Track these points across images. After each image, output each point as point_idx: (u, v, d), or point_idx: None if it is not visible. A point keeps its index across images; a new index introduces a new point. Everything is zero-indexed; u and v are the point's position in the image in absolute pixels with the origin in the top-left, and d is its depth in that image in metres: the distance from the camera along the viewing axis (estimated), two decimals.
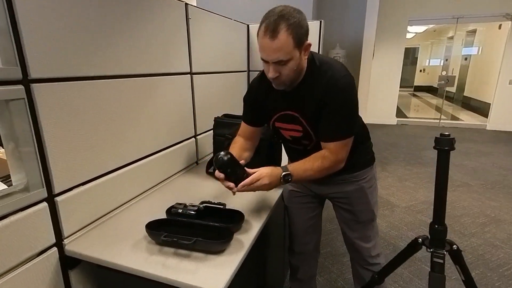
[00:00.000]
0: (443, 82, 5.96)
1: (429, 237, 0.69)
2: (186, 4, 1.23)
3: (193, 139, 1.39)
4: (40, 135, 0.69)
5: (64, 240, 0.77)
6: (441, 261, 0.64)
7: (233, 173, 0.80)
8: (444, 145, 0.57)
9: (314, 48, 1.85)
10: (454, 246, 0.67)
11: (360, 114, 0.91)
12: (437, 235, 0.66)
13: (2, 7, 0.60)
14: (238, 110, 1.91)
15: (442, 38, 9.34)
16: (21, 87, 0.64)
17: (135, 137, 1.00)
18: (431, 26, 7.77)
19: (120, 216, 0.92)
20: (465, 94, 7.99)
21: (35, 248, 0.71)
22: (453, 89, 8.74)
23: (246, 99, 1.01)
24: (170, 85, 1.17)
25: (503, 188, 2.73)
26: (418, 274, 1.59)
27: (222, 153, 0.79)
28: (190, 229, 0.82)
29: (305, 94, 0.87)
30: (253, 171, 0.84)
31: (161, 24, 1.08)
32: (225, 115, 1.37)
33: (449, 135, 0.57)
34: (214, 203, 0.94)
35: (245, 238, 0.82)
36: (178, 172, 1.29)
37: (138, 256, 0.73)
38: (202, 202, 0.94)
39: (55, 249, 0.75)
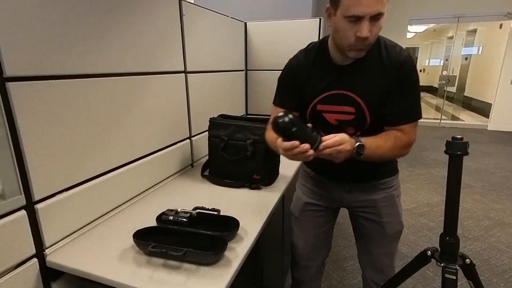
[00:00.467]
0: (443, 82, 5.91)
1: (439, 249, 0.63)
2: (180, 0, 1.18)
3: (188, 140, 1.33)
4: (18, 138, 0.64)
5: (46, 251, 0.72)
6: (454, 277, 0.59)
7: (301, 130, 0.66)
8: (457, 149, 0.52)
9: None
10: (467, 260, 0.62)
11: None
12: (448, 249, 0.60)
13: None
14: (236, 111, 1.87)
15: (442, 38, 9.30)
16: None
17: (124, 139, 0.95)
18: (431, 25, 7.72)
19: (108, 223, 0.87)
20: (465, 94, 7.95)
21: (13, 260, 0.66)
22: (453, 89, 8.70)
23: (283, 78, 0.91)
24: (163, 84, 1.12)
25: (506, 190, 2.68)
26: (422, 281, 1.54)
27: (280, 114, 0.66)
28: (182, 238, 0.77)
29: (371, 68, 0.78)
30: (329, 136, 0.71)
31: (153, 21, 1.03)
32: (221, 116, 1.32)
33: (462, 138, 0.52)
34: (208, 209, 0.89)
35: (240, 248, 0.77)
36: (172, 175, 1.24)
37: (124, 268, 0.68)
38: (195, 208, 0.89)
39: (35, 260, 0.70)
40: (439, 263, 0.62)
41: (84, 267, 0.68)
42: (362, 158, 0.74)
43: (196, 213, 0.86)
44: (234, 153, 1.17)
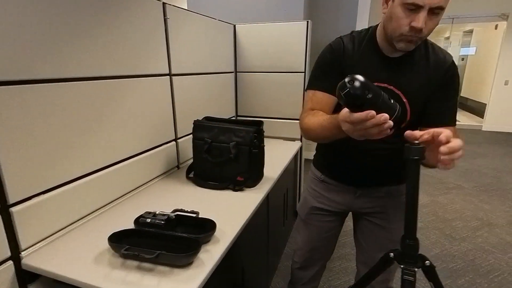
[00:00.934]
0: None
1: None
2: (164, 3, 1.18)
3: (174, 142, 1.34)
4: None
5: (22, 253, 0.73)
6: (412, 278, 0.60)
7: (377, 97, 0.53)
8: (414, 154, 0.53)
9: (300, 51, 1.82)
10: (427, 262, 0.63)
11: None
12: (408, 251, 0.62)
13: None
14: (225, 112, 1.88)
15: (439, 38, 9.33)
16: None
17: (104, 142, 0.95)
18: None
19: (87, 226, 0.88)
20: (462, 94, 7.98)
21: None
22: None
23: (325, 61, 0.83)
24: (146, 87, 1.13)
25: (496, 190, 2.70)
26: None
27: (347, 78, 0.52)
28: (157, 240, 0.78)
29: (417, 65, 0.76)
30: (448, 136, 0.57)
31: (136, 25, 1.04)
32: (207, 118, 1.33)
33: (418, 143, 0.53)
34: (187, 212, 0.90)
35: (216, 249, 0.78)
36: (157, 176, 1.25)
37: (98, 270, 0.69)
38: (175, 210, 0.90)
39: (10, 262, 0.71)
40: (400, 265, 0.63)
41: (59, 270, 0.68)
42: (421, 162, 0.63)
43: (174, 215, 0.87)
44: (217, 155, 1.19)
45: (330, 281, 1.54)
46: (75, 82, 0.83)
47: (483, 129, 5.30)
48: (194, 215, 0.89)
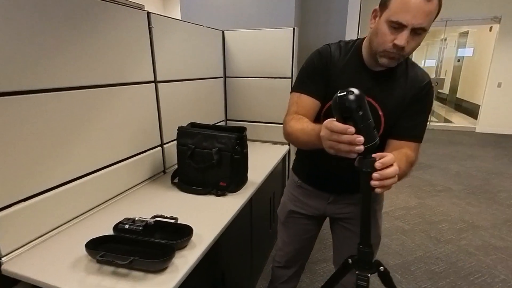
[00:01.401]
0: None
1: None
2: (148, 12, 1.21)
3: (159, 148, 1.37)
4: None
5: (2, 259, 0.76)
6: (365, 284, 0.64)
7: (365, 118, 0.53)
8: (366, 166, 0.56)
9: (287, 57, 1.85)
10: (381, 267, 0.67)
11: None
12: (363, 257, 0.65)
13: None
14: (214, 117, 1.91)
15: (436, 39, 9.39)
16: None
17: (87, 149, 0.98)
18: None
19: (68, 232, 0.91)
20: (457, 96, 8.04)
21: None
22: (446, 91, 8.79)
23: (313, 64, 0.85)
24: (130, 95, 1.15)
25: (484, 193, 2.74)
26: None
27: (348, 89, 0.52)
28: (135, 246, 0.81)
29: (397, 81, 0.80)
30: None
31: (120, 34, 1.07)
32: (192, 124, 1.36)
33: (370, 156, 0.56)
34: (166, 217, 0.93)
35: (192, 255, 0.81)
36: (142, 181, 1.28)
37: (74, 276, 0.72)
38: (154, 216, 0.93)
39: None
40: (356, 271, 0.67)
41: (37, 275, 0.71)
42: None
43: (153, 221, 0.90)
44: (200, 161, 1.22)
45: (314, 283, 1.58)
46: (54, 93, 0.86)
47: (477, 130, 5.35)
48: (172, 221, 0.92)
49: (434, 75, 6.59)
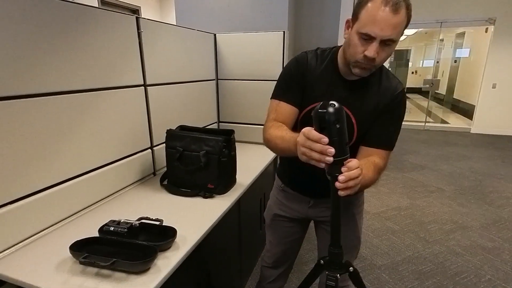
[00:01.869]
0: (428, 85, 6.02)
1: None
2: (137, 17, 1.23)
3: (149, 150, 1.39)
4: None
5: None
6: (333, 283, 0.66)
7: (341, 133, 0.56)
8: (333, 172, 0.58)
9: (278, 60, 1.87)
10: (351, 268, 0.69)
11: None
12: (333, 258, 0.68)
13: None
14: (206, 119, 1.93)
15: (434, 40, 9.44)
16: None
17: (75, 152, 1.00)
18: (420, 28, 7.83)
19: (55, 234, 0.93)
20: (454, 96, 8.08)
21: None
22: (443, 91, 8.83)
23: (291, 72, 0.87)
24: (119, 99, 1.18)
25: (475, 194, 2.77)
26: (376, 283, 1.62)
27: (331, 102, 0.55)
28: (119, 248, 0.83)
29: (370, 90, 0.81)
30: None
31: (109, 39, 1.09)
32: (181, 127, 1.38)
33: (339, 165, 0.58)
34: (151, 219, 0.95)
35: (175, 256, 0.83)
36: (132, 183, 1.30)
37: (58, 277, 0.74)
38: (140, 218, 0.95)
39: None
40: (326, 271, 0.69)
41: (21, 277, 0.73)
42: None
43: (138, 223, 0.92)
44: (189, 164, 1.24)
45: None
46: (41, 98, 0.88)
47: (472, 131, 5.38)
48: (157, 222, 0.94)
49: (431, 76, 6.63)
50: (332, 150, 0.55)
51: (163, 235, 0.89)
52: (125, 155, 1.25)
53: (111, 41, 1.11)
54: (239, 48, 1.87)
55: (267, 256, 1.21)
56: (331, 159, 0.56)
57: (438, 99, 9.29)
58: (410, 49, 10.95)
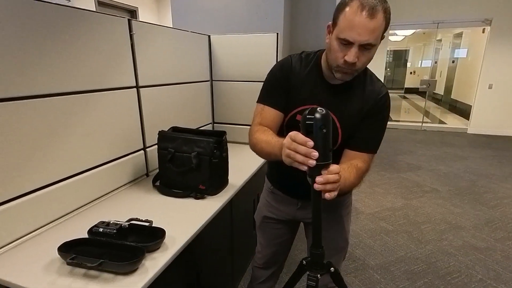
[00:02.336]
0: (424, 86, 6.04)
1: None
2: (129, 20, 1.24)
3: (142, 151, 1.40)
4: None
5: None
6: (314, 284, 0.67)
7: (326, 138, 0.58)
8: (314, 174, 0.59)
9: (271, 61, 1.88)
10: (332, 268, 0.71)
11: None
12: (314, 259, 0.69)
13: None
14: (201, 120, 1.94)
15: (432, 40, 9.47)
16: None
17: (66, 154, 1.01)
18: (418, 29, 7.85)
19: (45, 235, 0.94)
20: (452, 96, 8.10)
21: None
22: (441, 92, 8.86)
23: (275, 77, 0.88)
24: (111, 100, 1.18)
25: (469, 194, 2.79)
26: (368, 283, 1.63)
27: (319, 108, 0.57)
28: (108, 249, 0.84)
29: (354, 94, 0.82)
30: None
31: (99, 41, 1.10)
32: (173, 128, 1.39)
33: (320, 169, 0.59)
34: (141, 220, 0.96)
35: (163, 257, 0.84)
36: (124, 184, 1.31)
37: (45, 278, 0.75)
38: (130, 219, 0.96)
39: None
40: (307, 272, 0.71)
41: (9, 277, 0.74)
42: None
43: (128, 224, 0.93)
44: (180, 165, 1.25)
45: None
46: (32, 100, 0.89)
47: (468, 131, 5.41)
48: (147, 224, 0.95)
49: (429, 76, 6.65)
50: (316, 153, 0.57)
51: (152, 236, 0.90)
52: (118, 156, 1.26)
53: (103, 43, 1.11)
54: (233, 49, 1.88)
55: (257, 257, 1.22)
56: (314, 162, 0.58)
57: (436, 100, 9.32)
58: (409, 50, 10.99)
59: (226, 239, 1.39)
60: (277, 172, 1.05)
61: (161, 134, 1.30)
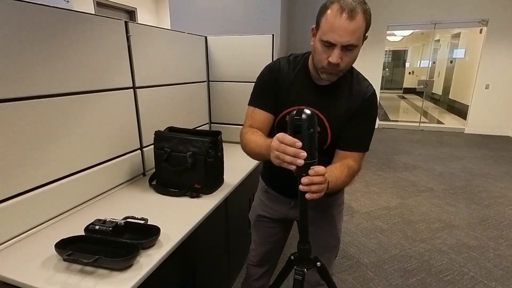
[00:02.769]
0: (421, 86, 6.07)
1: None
2: (126, 22, 1.26)
3: (139, 151, 1.43)
4: None
5: None
6: (300, 278, 0.70)
7: (312, 138, 0.60)
8: (301, 173, 0.62)
9: (267, 62, 1.89)
10: (318, 263, 0.73)
11: None
12: (301, 254, 0.72)
13: None
14: (198, 120, 1.96)
15: (430, 40, 9.50)
16: None
17: (64, 153, 1.04)
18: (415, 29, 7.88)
19: (43, 232, 0.96)
20: (450, 96, 8.14)
21: None
22: (439, 92, 8.89)
23: (265, 79, 0.90)
24: (108, 101, 1.21)
25: (464, 193, 2.82)
26: (361, 281, 1.66)
27: (306, 109, 0.60)
28: (103, 246, 0.86)
29: (341, 94, 0.84)
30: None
31: (97, 43, 1.12)
32: (170, 129, 1.41)
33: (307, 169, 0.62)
34: (137, 218, 0.98)
35: (157, 254, 0.87)
36: (121, 184, 1.33)
37: (43, 274, 0.77)
38: (126, 218, 0.98)
39: None
40: (295, 266, 0.73)
41: (7, 274, 0.77)
42: (327, 191, 0.71)
43: (123, 222, 0.95)
44: (176, 164, 1.27)
45: (288, 281, 1.64)
46: (31, 100, 0.91)
47: (466, 131, 5.44)
48: (142, 221, 0.97)
49: (427, 76, 6.69)
50: (304, 154, 0.60)
51: (147, 234, 0.93)
52: (115, 156, 1.28)
53: (100, 45, 1.14)
54: (229, 50, 1.90)
55: (252, 255, 1.25)
56: (302, 161, 0.60)
57: (435, 100, 9.36)
58: (407, 50, 11.02)
59: (222, 237, 1.42)
60: (270, 172, 1.07)
61: (157, 134, 1.32)
